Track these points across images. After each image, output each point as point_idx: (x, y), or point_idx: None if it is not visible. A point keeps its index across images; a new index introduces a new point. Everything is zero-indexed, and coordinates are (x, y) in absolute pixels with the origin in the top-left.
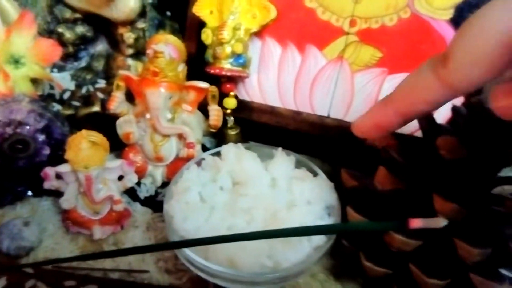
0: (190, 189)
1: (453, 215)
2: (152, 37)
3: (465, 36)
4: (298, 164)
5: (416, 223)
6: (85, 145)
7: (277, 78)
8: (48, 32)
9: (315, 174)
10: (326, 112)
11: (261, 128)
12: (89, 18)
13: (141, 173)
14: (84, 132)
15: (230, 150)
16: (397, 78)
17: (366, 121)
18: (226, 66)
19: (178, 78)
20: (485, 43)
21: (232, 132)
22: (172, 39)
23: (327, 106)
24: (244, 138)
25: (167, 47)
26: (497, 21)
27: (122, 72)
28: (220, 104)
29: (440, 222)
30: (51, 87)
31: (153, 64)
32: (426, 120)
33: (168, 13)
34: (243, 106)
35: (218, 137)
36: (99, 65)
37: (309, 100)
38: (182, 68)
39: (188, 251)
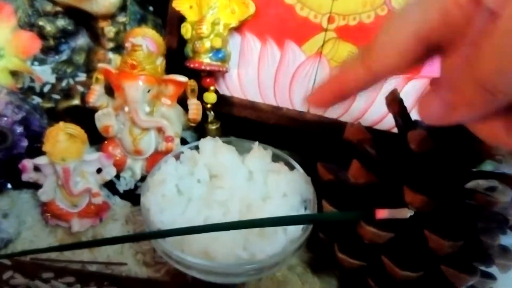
0: (166, 182)
1: (423, 207)
2: (130, 31)
3: (387, 26)
4: (276, 158)
5: (383, 213)
6: (62, 137)
7: (257, 73)
8: (29, 25)
9: (292, 168)
10: (306, 107)
11: (242, 122)
12: (70, 11)
13: (120, 166)
14: (61, 124)
15: (208, 144)
16: None
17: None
18: (206, 60)
19: (157, 72)
20: (401, 34)
21: (213, 127)
22: (150, 32)
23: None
24: (225, 132)
25: (145, 40)
26: (413, 15)
27: (101, 65)
28: (200, 98)
29: (406, 213)
30: (32, 80)
31: (131, 57)
32: (401, 116)
33: (151, 8)
34: (224, 101)
35: (198, 132)
36: (80, 58)
37: (288, 95)
38: (160, 62)
39: (164, 244)
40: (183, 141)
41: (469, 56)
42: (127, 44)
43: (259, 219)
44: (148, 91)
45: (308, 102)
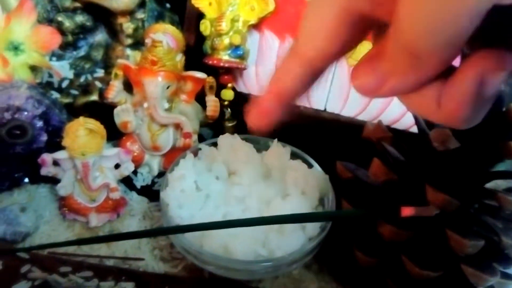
0: (185, 177)
1: (445, 206)
2: (151, 27)
3: (312, 6)
4: (294, 156)
5: (408, 211)
6: (82, 132)
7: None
8: (47, 21)
9: (310, 166)
10: (322, 106)
11: None
12: (89, 7)
13: (137, 162)
14: (81, 119)
15: (226, 141)
16: None
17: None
18: (224, 57)
19: (176, 68)
20: (328, 11)
21: (229, 124)
22: (171, 28)
23: (323, 100)
24: (242, 130)
25: (166, 36)
26: None
27: (120, 61)
28: (218, 95)
29: (432, 211)
30: (50, 75)
31: (151, 53)
32: None
33: (168, 5)
34: (241, 98)
35: (215, 129)
36: (98, 54)
37: (305, 94)
38: (180, 58)
39: (183, 238)
40: (200, 138)
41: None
42: (147, 40)
43: (279, 216)
44: (168, 87)
45: (249, 123)
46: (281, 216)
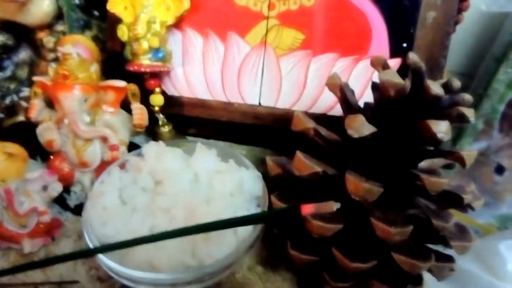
0: (106, 193)
1: (366, 195)
2: (59, 39)
3: None
4: (226, 157)
5: (308, 208)
6: (0, 157)
7: (203, 70)
8: None
9: (242, 165)
10: (256, 100)
11: (195, 122)
12: (7, 26)
13: (69, 180)
14: None
15: (151, 149)
16: (323, 59)
17: None
18: (145, 62)
19: (92, 79)
20: None
21: (165, 130)
22: (82, 39)
23: (257, 94)
24: (182, 133)
25: (76, 47)
26: None
27: (36, 78)
28: (147, 101)
29: (332, 206)
30: None
31: (62, 66)
32: (343, 100)
33: (96, 13)
34: (172, 102)
35: (152, 136)
36: (23, 73)
37: (238, 89)
38: (95, 68)
39: (105, 259)
40: (136, 147)
41: None
42: (58, 54)
43: (199, 225)
44: (85, 100)
45: None
46: (202, 225)
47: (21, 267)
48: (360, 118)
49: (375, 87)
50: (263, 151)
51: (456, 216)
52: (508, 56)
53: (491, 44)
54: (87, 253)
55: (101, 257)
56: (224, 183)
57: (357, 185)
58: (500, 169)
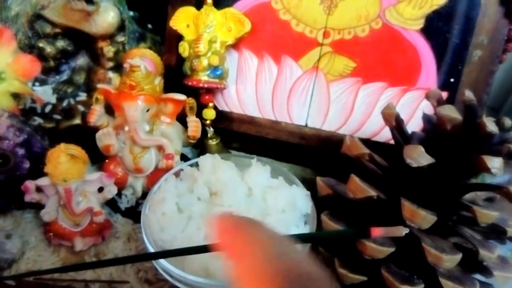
0: (166, 200)
1: (421, 222)
2: (128, 52)
3: None
4: (276, 173)
5: (378, 231)
6: (63, 159)
7: (255, 89)
8: (29, 47)
9: (291, 183)
10: (303, 121)
11: (242, 137)
12: (70, 32)
13: (121, 184)
14: (62, 145)
15: (207, 161)
16: (372, 87)
17: None
18: (204, 78)
19: (155, 91)
20: None
21: (213, 142)
22: (148, 53)
23: (304, 116)
24: (227, 147)
25: (143, 60)
26: None
27: (100, 85)
28: (200, 115)
29: (401, 231)
30: (33, 101)
31: (129, 78)
32: (397, 129)
33: (150, 26)
34: (223, 117)
35: (199, 148)
36: (80, 78)
37: (287, 110)
38: (159, 81)
39: (164, 262)
40: (184, 157)
41: None
42: (125, 65)
43: None
44: (147, 111)
45: None
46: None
47: (81, 265)
48: (420, 149)
49: (427, 119)
50: (303, 170)
51: None
52: None
53: None
54: (148, 257)
55: (160, 260)
56: (277, 199)
57: (413, 212)
58: None
